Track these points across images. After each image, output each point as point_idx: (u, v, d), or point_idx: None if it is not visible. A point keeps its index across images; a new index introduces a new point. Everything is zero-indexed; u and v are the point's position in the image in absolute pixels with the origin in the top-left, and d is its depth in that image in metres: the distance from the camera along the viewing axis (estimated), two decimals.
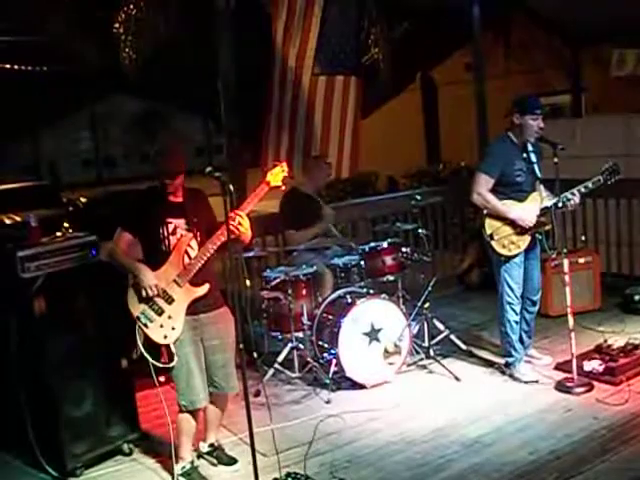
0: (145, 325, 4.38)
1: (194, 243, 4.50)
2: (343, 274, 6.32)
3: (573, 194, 5.49)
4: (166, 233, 4.47)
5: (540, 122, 5.45)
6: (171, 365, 4.41)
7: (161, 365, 4.43)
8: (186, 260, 4.46)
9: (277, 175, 4.49)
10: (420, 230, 6.43)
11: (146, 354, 4.37)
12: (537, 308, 5.90)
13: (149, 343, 4.40)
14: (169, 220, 4.48)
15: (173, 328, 4.40)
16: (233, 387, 4.70)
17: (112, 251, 4.54)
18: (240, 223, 4.37)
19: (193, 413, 4.55)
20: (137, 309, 4.41)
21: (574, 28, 11.51)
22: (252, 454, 4.02)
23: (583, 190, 5.51)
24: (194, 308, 4.47)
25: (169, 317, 4.40)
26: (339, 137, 8.25)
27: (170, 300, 4.40)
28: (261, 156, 7.92)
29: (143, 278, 4.36)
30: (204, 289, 4.48)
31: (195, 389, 4.47)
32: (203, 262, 4.43)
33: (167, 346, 4.40)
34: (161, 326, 4.39)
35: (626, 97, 10.95)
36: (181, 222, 4.51)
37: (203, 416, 4.74)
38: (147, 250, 4.54)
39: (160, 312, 4.39)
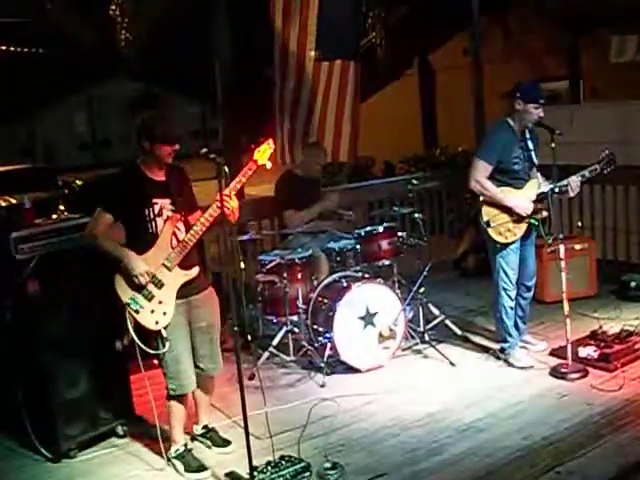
0: (136, 312, 4.30)
1: (180, 224, 4.41)
2: (339, 258, 6.31)
3: (569, 183, 5.47)
4: (152, 215, 4.32)
5: (541, 111, 5.42)
6: (163, 351, 4.37)
7: (153, 351, 4.40)
8: (174, 242, 4.36)
9: (264, 153, 4.37)
10: (416, 215, 6.41)
11: (137, 341, 4.32)
12: (532, 294, 5.90)
13: (140, 328, 4.35)
14: (154, 200, 4.34)
15: (164, 313, 4.33)
16: (217, 368, 4.69)
17: (92, 233, 4.37)
18: (227, 202, 4.26)
19: (182, 397, 4.54)
20: (126, 295, 4.31)
21: (573, 13, 11.47)
22: (246, 437, 4.02)
23: (580, 179, 5.49)
24: (183, 291, 4.41)
25: (160, 302, 4.33)
26: (336, 122, 8.20)
27: (160, 285, 4.32)
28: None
29: (133, 267, 4.23)
30: (194, 272, 4.42)
31: (184, 373, 4.44)
32: (193, 244, 4.36)
33: (158, 331, 4.34)
34: (152, 312, 4.32)
35: (626, 83, 10.91)
36: (166, 202, 4.38)
37: (192, 399, 4.74)
38: (131, 232, 4.38)
39: (150, 297, 4.32)
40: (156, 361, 4.59)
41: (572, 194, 5.57)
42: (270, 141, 4.44)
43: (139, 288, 4.31)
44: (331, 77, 8.13)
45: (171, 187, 4.42)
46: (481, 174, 5.49)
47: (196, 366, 4.57)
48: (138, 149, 4.39)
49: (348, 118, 8.23)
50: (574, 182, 5.48)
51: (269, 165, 4.43)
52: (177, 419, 4.58)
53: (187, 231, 4.40)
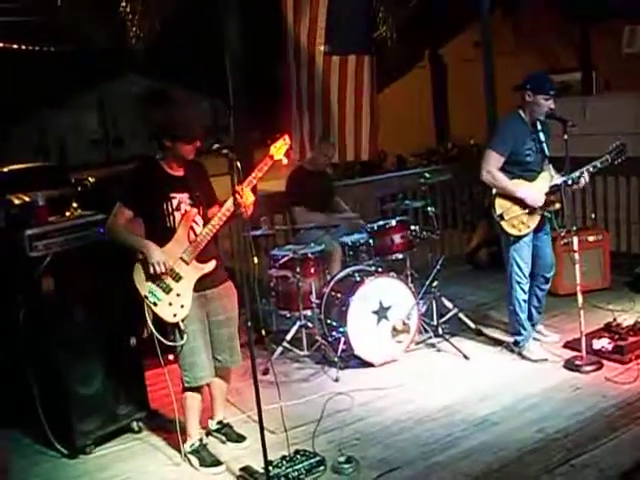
0: (154, 304, 4.35)
1: (198, 218, 4.44)
2: (352, 252, 6.31)
3: (582, 173, 5.45)
4: (170, 209, 4.37)
5: (552, 103, 5.40)
6: (180, 343, 4.40)
7: (170, 343, 4.44)
8: (191, 236, 4.40)
9: (280, 148, 4.42)
10: (429, 208, 6.41)
11: (156, 333, 4.36)
12: (549, 285, 5.87)
13: (157, 321, 4.39)
14: (173, 195, 4.38)
15: (182, 306, 4.37)
16: (237, 361, 4.71)
17: (112, 228, 4.42)
18: (242, 196, 4.27)
19: (197, 389, 4.56)
20: (144, 287, 4.36)
21: (584, 4, 11.40)
22: (261, 431, 4.03)
23: (591, 170, 5.47)
24: (201, 284, 4.44)
25: (177, 295, 4.37)
26: (355, 120, 8.16)
27: (178, 278, 4.37)
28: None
29: (151, 255, 4.28)
30: (211, 266, 4.45)
31: (200, 366, 4.47)
32: (209, 238, 4.40)
33: (175, 324, 4.38)
34: (170, 304, 4.36)
35: (638, 74, 10.82)
36: (185, 197, 4.41)
37: (208, 393, 4.77)
38: (150, 227, 4.43)
39: (168, 290, 4.36)
40: (171, 356, 4.61)
41: (580, 186, 5.54)
42: (286, 137, 4.46)
43: (157, 281, 4.35)
44: (346, 73, 8.08)
45: (189, 182, 4.46)
46: (492, 165, 5.47)
47: (215, 359, 4.59)
48: (155, 146, 4.42)
49: (367, 115, 8.18)
50: (586, 174, 5.46)
51: (285, 160, 4.46)
52: (192, 412, 4.61)
53: (205, 225, 4.42)
